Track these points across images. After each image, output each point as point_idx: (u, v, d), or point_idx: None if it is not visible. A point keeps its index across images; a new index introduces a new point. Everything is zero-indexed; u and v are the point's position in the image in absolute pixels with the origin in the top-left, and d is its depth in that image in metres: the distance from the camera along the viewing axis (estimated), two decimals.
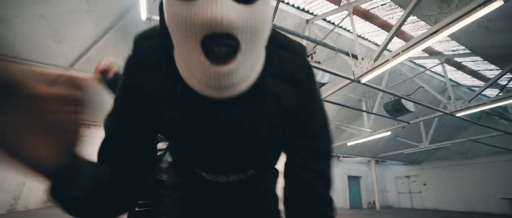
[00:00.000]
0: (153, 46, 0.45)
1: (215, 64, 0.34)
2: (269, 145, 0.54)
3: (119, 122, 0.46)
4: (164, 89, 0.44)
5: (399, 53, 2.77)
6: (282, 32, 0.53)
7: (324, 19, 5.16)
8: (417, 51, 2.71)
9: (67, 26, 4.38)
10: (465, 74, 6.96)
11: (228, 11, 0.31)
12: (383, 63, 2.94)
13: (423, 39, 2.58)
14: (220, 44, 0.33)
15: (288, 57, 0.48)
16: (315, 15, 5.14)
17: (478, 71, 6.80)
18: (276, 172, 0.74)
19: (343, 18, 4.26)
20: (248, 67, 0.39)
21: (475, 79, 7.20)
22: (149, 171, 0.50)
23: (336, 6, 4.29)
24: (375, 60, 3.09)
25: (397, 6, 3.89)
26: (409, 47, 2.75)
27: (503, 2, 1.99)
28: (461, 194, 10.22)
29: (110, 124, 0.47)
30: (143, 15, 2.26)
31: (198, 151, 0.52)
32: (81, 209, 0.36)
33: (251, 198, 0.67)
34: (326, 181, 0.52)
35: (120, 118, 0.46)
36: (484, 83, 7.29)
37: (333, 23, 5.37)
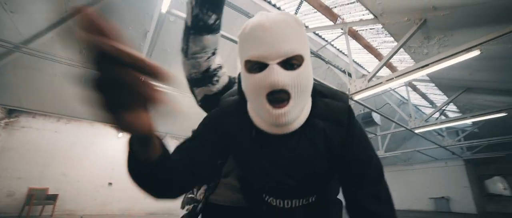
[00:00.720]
0: (234, 101, 0.66)
1: (275, 108, 0.51)
2: (323, 171, 0.64)
3: (199, 142, 0.61)
4: (242, 132, 0.61)
5: (392, 78, 3.14)
6: (325, 84, 0.63)
7: (314, 32, 5.44)
8: (407, 79, 3.13)
9: None
10: (416, 94, 8.26)
11: (282, 77, 0.49)
12: (376, 85, 3.28)
13: (413, 70, 2.99)
14: (278, 95, 0.50)
15: (331, 103, 0.62)
16: (306, 27, 5.36)
17: (426, 94, 8.17)
18: (340, 204, 0.79)
19: (338, 37, 4.56)
20: (298, 109, 0.54)
21: (422, 100, 8.62)
22: (201, 178, 0.64)
23: (331, 23, 4.56)
24: (369, 81, 3.42)
25: (383, 32, 4.36)
26: (400, 75, 3.14)
27: (479, 52, 2.46)
28: (402, 195, 12.09)
29: (192, 139, 0.62)
30: (164, 8, 1.97)
31: (266, 176, 0.65)
32: (145, 177, 0.47)
33: None
34: (384, 201, 0.60)
35: (201, 140, 0.62)
36: (428, 103, 8.81)
37: (320, 36, 5.70)
